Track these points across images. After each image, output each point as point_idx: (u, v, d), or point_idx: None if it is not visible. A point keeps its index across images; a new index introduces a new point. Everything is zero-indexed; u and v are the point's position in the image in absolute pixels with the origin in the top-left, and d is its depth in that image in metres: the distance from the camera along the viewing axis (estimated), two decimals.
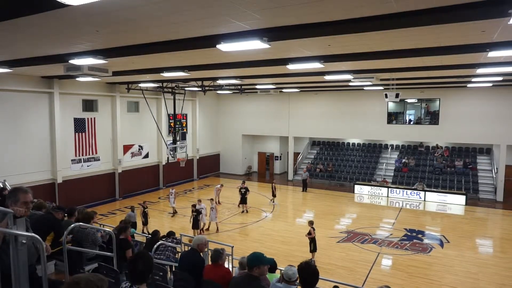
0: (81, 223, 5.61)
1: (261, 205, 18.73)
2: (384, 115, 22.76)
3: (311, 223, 11.87)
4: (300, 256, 11.53)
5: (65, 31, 6.68)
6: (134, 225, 12.84)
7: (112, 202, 19.42)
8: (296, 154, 26.16)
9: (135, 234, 10.86)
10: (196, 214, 13.88)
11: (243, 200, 17.63)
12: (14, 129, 15.09)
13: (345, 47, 8.42)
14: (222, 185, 19.96)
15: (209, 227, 14.84)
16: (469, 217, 17.22)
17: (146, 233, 12.26)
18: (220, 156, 28.59)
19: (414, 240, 13.70)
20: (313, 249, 11.67)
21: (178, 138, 19.93)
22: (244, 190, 17.61)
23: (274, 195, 19.30)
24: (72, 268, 4.51)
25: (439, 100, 21.39)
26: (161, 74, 12.97)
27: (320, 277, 3.73)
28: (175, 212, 17.20)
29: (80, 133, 17.89)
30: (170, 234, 8.92)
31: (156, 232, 8.82)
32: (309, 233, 11.62)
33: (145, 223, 14.20)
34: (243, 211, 17.42)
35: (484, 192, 20.26)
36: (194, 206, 14.08)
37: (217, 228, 14.70)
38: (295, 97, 25.00)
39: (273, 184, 19.78)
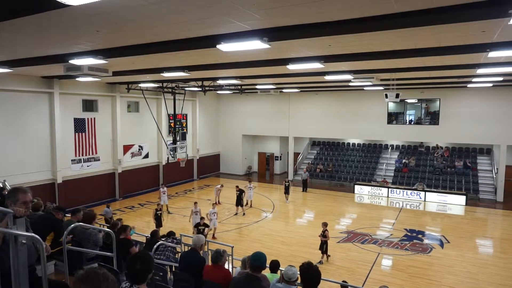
0: (82, 224, 5.60)
1: (261, 205, 18.71)
2: (384, 115, 22.75)
3: (325, 224, 11.85)
4: (301, 257, 11.54)
5: (65, 31, 6.68)
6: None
7: (112, 202, 19.39)
8: (296, 154, 26.15)
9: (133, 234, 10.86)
10: (204, 228, 12.67)
11: (238, 202, 17.23)
12: (14, 129, 15.10)
13: (345, 47, 8.42)
14: (222, 185, 19.95)
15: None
16: (469, 218, 17.21)
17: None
18: (220, 156, 28.60)
19: (414, 241, 13.69)
20: (326, 250, 11.66)
21: (178, 138, 19.95)
22: (239, 192, 17.24)
23: (287, 193, 19.74)
24: (72, 268, 4.51)
25: (439, 101, 21.38)
26: (161, 74, 12.97)
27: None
28: (167, 211, 17.30)
29: (80, 133, 17.89)
30: (170, 234, 8.92)
31: (155, 233, 8.81)
32: (325, 236, 11.57)
33: (157, 225, 13.83)
34: (236, 214, 17.01)
35: (484, 192, 20.25)
36: (202, 219, 12.91)
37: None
38: (295, 97, 25.00)
39: (286, 182, 20.11)
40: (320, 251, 11.66)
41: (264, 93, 23.30)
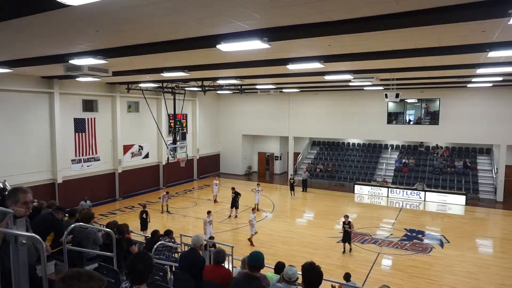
0: (81, 223, 5.60)
1: (261, 205, 18.69)
2: (384, 115, 22.76)
3: (347, 216, 12.63)
4: (301, 256, 11.55)
5: (65, 31, 6.68)
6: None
7: (112, 202, 19.43)
8: (296, 154, 26.15)
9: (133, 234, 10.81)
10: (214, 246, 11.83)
11: (234, 204, 16.72)
12: (14, 129, 15.09)
13: (345, 47, 8.42)
14: (216, 177, 20.41)
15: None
16: (469, 217, 17.22)
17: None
18: (220, 156, 28.60)
19: (414, 240, 13.69)
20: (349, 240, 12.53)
21: (178, 138, 19.94)
22: (234, 194, 16.72)
23: (292, 189, 20.36)
24: (72, 268, 4.50)
25: (439, 100, 21.38)
26: (161, 74, 12.96)
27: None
28: (167, 211, 17.48)
29: (80, 133, 17.89)
30: (168, 233, 8.89)
31: (155, 232, 8.81)
32: (350, 227, 12.35)
33: (141, 228, 13.53)
34: (229, 216, 16.64)
35: (484, 192, 20.25)
36: (211, 238, 11.53)
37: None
38: (295, 97, 25.00)
39: (291, 179, 20.73)
40: (343, 244, 12.53)
41: (264, 93, 23.30)
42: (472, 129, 20.34)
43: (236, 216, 16.76)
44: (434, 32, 6.78)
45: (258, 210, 17.75)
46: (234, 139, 27.61)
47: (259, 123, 26.49)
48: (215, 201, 19.32)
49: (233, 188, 17.27)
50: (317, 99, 24.33)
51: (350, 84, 16.49)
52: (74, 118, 17.57)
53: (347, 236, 12.37)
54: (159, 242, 7.75)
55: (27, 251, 2.87)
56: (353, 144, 26.08)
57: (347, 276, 7.99)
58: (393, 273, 11.07)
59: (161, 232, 9.08)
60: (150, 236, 8.94)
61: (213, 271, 5.01)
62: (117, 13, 5.38)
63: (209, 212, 13.38)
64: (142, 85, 18.58)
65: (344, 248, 12.47)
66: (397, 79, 15.02)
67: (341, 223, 13.03)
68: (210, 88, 19.07)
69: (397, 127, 22.93)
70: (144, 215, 13.94)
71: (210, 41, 6.96)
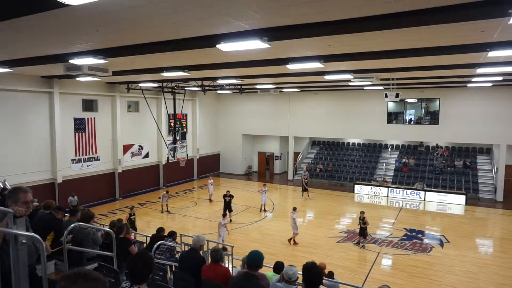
0: (81, 223, 5.60)
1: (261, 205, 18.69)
2: (384, 115, 22.76)
3: (363, 212, 13.33)
4: (301, 256, 11.56)
5: (65, 31, 6.68)
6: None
7: (112, 202, 19.42)
8: (296, 154, 26.16)
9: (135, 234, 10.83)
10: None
11: (228, 208, 16.01)
12: (14, 129, 15.09)
13: (345, 47, 8.42)
14: (210, 177, 20.54)
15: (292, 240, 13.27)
16: (469, 217, 17.22)
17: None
18: (220, 156, 28.60)
19: (414, 240, 13.70)
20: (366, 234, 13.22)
21: (178, 138, 19.94)
22: (229, 198, 16.10)
23: (304, 190, 20.46)
24: (72, 268, 4.51)
25: (439, 100, 21.39)
26: (161, 74, 12.96)
27: None
28: (167, 211, 17.54)
29: (80, 133, 17.89)
30: (171, 234, 8.89)
31: (161, 229, 8.85)
32: (365, 223, 12.97)
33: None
34: (229, 219, 15.84)
35: (484, 192, 20.26)
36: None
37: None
38: (295, 97, 25.00)
39: (304, 179, 20.82)
40: (360, 237, 13.16)
41: (264, 92, 23.31)
42: (472, 129, 20.34)
43: (230, 220, 15.94)
44: (433, 32, 6.78)
45: (260, 211, 17.73)
46: (234, 139, 27.61)
47: (259, 123, 26.49)
48: (211, 200, 19.38)
49: (228, 191, 16.50)
50: (317, 99, 24.33)
51: (350, 84, 16.49)
52: (74, 118, 17.58)
53: (362, 231, 12.99)
54: (159, 242, 7.75)
55: (27, 251, 2.87)
56: (353, 144, 26.08)
57: (330, 274, 7.97)
58: (393, 273, 11.07)
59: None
60: (156, 232, 8.97)
61: (212, 270, 5.01)
62: (117, 13, 5.39)
63: (224, 215, 13.21)
64: (142, 84, 18.57)
65: (362, 242, 13.06)
66: (397, 79, 15.02)
67: (343, 224, 13.27)
68: (210, 88, 19.07)
69: (397, 127, 22.94)
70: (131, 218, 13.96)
71: (210, 41, 6.96)
